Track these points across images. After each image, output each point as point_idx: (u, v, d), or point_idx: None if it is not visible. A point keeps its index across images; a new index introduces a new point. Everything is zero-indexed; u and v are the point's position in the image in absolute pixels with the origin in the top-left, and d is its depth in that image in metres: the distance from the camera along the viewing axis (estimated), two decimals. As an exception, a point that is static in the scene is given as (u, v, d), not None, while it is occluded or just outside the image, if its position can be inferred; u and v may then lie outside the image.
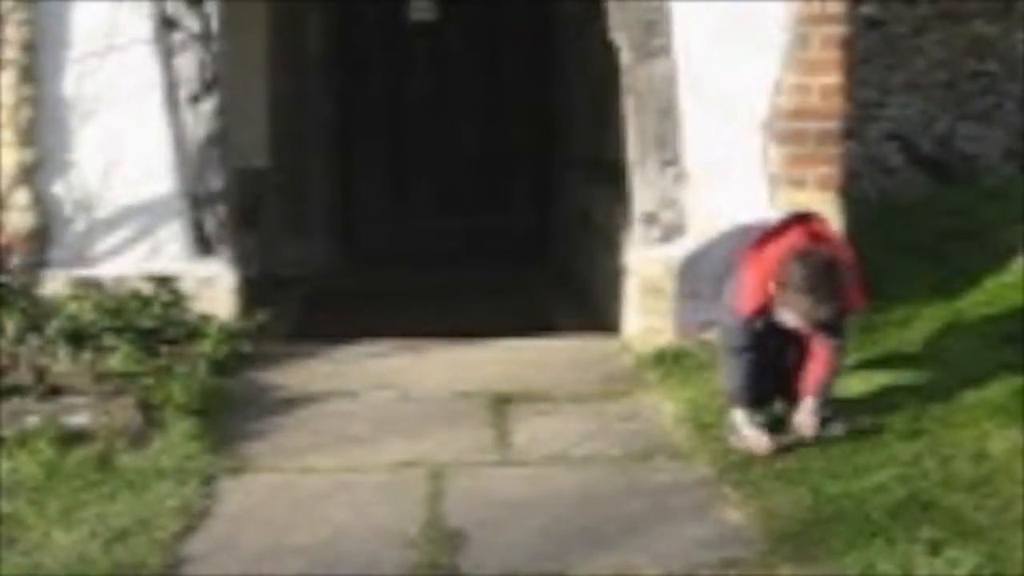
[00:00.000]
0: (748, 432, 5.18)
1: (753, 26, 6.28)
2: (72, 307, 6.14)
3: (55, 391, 5.60)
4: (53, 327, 5.99)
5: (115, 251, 6.45)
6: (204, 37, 6.37)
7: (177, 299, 6.34)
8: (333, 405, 5.83)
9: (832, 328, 5.10)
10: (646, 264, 6.40)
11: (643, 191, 6.47)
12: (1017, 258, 6.93)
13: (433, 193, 9.71)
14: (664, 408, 5.74)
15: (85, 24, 6.28)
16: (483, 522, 4.59)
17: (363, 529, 4.56)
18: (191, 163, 6.42)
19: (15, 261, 6.33)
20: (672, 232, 6.43)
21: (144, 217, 6.45)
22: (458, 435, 5.45)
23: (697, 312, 5.47)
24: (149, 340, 6.07)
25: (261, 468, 5.13)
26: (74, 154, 6.37)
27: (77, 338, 5.97)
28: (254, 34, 8.33)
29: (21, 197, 6.34)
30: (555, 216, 9.52)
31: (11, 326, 5.98)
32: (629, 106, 6.46)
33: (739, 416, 5.22)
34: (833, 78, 6.30)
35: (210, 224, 6.48)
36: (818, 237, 5.12)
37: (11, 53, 6.26)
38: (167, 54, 6.35)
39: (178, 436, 5.29)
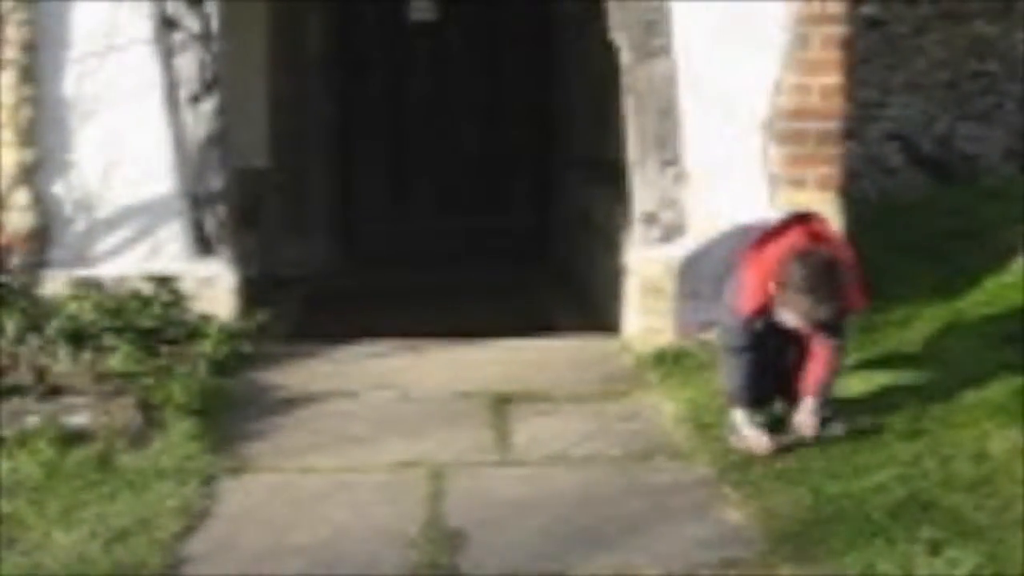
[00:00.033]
0: (748, 432, 5.18)
1: (753, 26, 6.28)
2: (72, 307, 6.14)
3: (55, 391, 5.60)
4: (53, 327, 5.99)
5: (115, 251, 6.45)
6: (204, 37, 6.37)
7: (177, 299, 6.34)
8: (333, 405, 5.83)
9: (832, 328, 5.10)
10: (646, 264, 6.40)
11: (643, 191, 6.47)
12: (1017, 258, 6.92)
13: (433, 193, 9.71)
14: (664, 408, 5.74)
15: (85, 24, 6.28)
16: (483, 522, 4.59)
17: (363, 529, 4.56)
18: (191, 163, 6.42)
19: (15, 261, 6.33)
20: (672, 232, 6.43)
21: (144, 217, 6.45)
22: (458, 435, 5.45)
23: (697, 312, 5.47)
24: (149, 340, 6.07)
25: (261, 468, 5.13)
26: (74, 154, 6.37)
27: (77, 338, 5.97)
28: (254, 34, 8.32)
29: (21, 197, 6.34)
30: (555, 216, 9.52)
31: (11, 326, 5.98)
32: (629, 106, 6.46)
33: (739, 416, 5.22)
34: (833, 78, 6.30)
35: (210, 224, 6.48)
36: (818, 237, 5.12)
37: (11, 53, 6.26)
38: (167, 54, 6.35)
39: (178, 436, 5.29)
